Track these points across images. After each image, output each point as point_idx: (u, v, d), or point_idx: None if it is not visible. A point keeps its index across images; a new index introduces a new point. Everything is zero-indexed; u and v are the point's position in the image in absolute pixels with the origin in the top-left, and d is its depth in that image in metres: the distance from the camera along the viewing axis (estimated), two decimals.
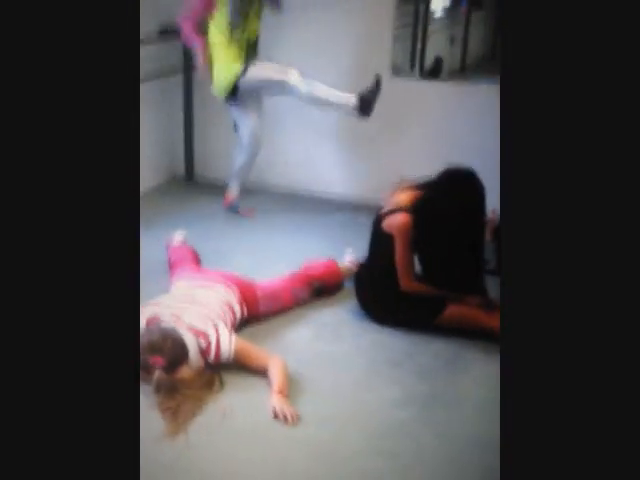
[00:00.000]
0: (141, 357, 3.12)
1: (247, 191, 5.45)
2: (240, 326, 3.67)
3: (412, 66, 5.92)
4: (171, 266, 4.22)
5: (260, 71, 4.86)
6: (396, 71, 5.41)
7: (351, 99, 4.75)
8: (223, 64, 4.85)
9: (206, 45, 4.85)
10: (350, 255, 4.40)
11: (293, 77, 4.76)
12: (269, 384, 3.19)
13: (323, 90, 4.77)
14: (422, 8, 6.11)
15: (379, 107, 5.34)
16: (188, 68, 5.69)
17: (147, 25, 5.36)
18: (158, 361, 3.10)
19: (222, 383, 3.22)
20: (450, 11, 6.68)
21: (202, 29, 4.84)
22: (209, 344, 3.25)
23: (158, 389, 3.09)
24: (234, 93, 4.93)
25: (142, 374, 3.13)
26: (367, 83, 5.13)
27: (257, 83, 4.90)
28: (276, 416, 3.02)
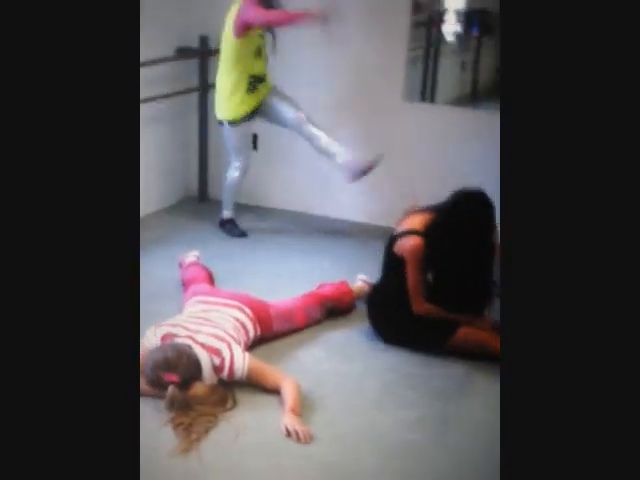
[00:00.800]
0: (155, 374, 3.16)
1: (262, 212, 5.49)
2: (253, 345, 3.70)
3: (424, 91, 5.96)
4: (184, 285, 4.26)
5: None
6: (408, 96, 5.45)
7: (341, 157, 5.00)
8: (231, 96, 4.98)
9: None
10: (363, 276, 4.44)
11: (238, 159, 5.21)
12: (282, 403, 3.22)
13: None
14: (434, 33, 6.16)
15: (391, 132, 5.41)
16: (204, 87, 5.75)
17: (164, 44, 5.44)
18: (172, 378, 3.13)
19: (235, 401, 3.25)
20: (462, 36, 6.73)
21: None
22: (223, 361, 3.28)
23: (171, 405, 3.12)
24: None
25: (156, 390, 3.17)
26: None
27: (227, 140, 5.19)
28: (289, 434, 3.05)
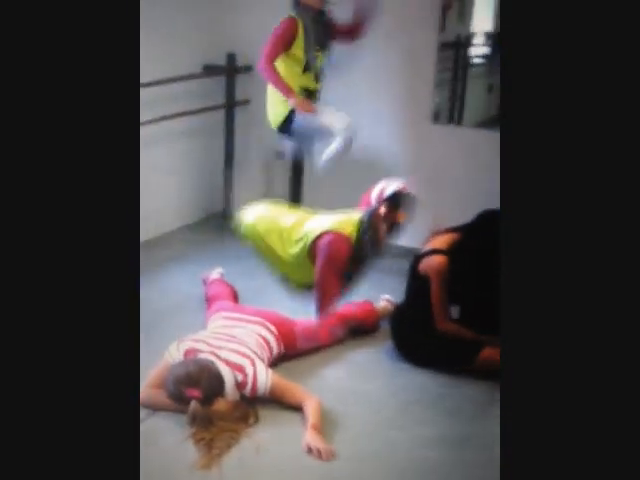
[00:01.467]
0: (177, 389, 3.15)
1: None
2: (276, 362, 3.69)
3: (451, 113, 5.95)
4: (208, 301, 4.25)
5: (312, 115, 4.89)
6: (435, 118, 5.44)
7: None
8: (281, 98, 4.89)
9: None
10: (387, 296, 4.41)
11: (338, 125, 4.84)
12: (304, 420, 3.20)
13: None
14: (461, 55, 6.16)
15: (418, 154, 5.39)
16: (230, 104, 5.77)
17: (191, 61, 5.48)
18: (194, 393, 3.12)
19: (257, 417, 3.24)
20: (489, 59, 6.72)
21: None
22: (245, 378, 3.27)
23: (193, 420, 3.11)
24: (287, 129, 4.98)
25: (178, 405, 3.16)
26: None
27: (307, 124, 4.93)
28: (310, 451, 3.03)
